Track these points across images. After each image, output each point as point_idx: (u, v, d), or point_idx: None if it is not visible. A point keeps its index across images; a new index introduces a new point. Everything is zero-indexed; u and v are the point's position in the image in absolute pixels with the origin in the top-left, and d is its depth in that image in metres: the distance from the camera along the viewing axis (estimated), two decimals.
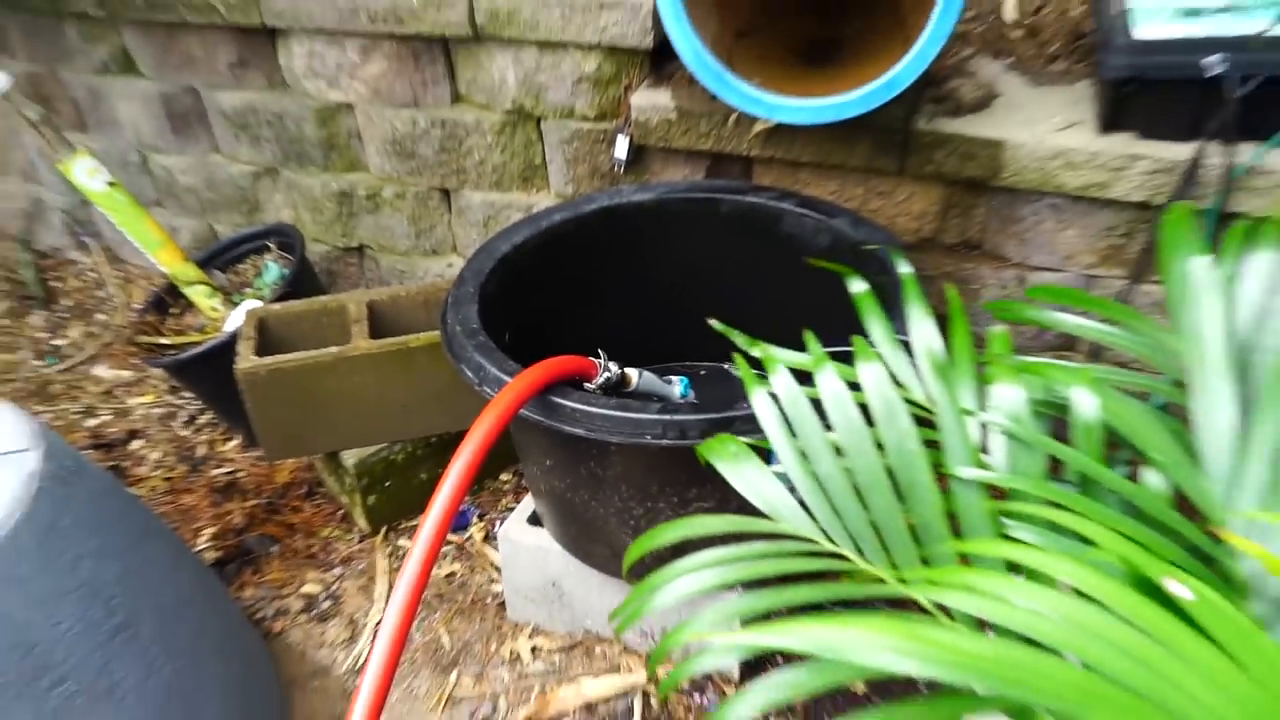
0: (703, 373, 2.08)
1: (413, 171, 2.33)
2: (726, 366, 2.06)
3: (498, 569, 2.04)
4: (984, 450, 0.75)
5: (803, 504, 0.77)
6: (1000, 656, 0.48)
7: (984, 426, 0.76)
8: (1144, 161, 1.71)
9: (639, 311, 1.97)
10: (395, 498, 2.13)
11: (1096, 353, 1.89)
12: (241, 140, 2.48)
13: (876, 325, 0.90)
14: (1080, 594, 0.52)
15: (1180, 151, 1.70)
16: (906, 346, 1.03)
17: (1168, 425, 0.75)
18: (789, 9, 2.14)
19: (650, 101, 1.99)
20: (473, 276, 1.71)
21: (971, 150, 1.80)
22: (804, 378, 0.91)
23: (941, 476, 0.80)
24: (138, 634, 1.47)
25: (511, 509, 2.01)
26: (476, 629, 1.94)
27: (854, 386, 0.84)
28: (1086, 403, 0.72)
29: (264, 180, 2.54)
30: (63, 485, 1.44)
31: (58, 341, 2.74)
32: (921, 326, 0.88)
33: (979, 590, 0.54)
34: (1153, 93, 1.71)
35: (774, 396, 0.82)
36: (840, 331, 1.39)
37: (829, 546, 0.75)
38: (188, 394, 2.52)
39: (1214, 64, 1.65)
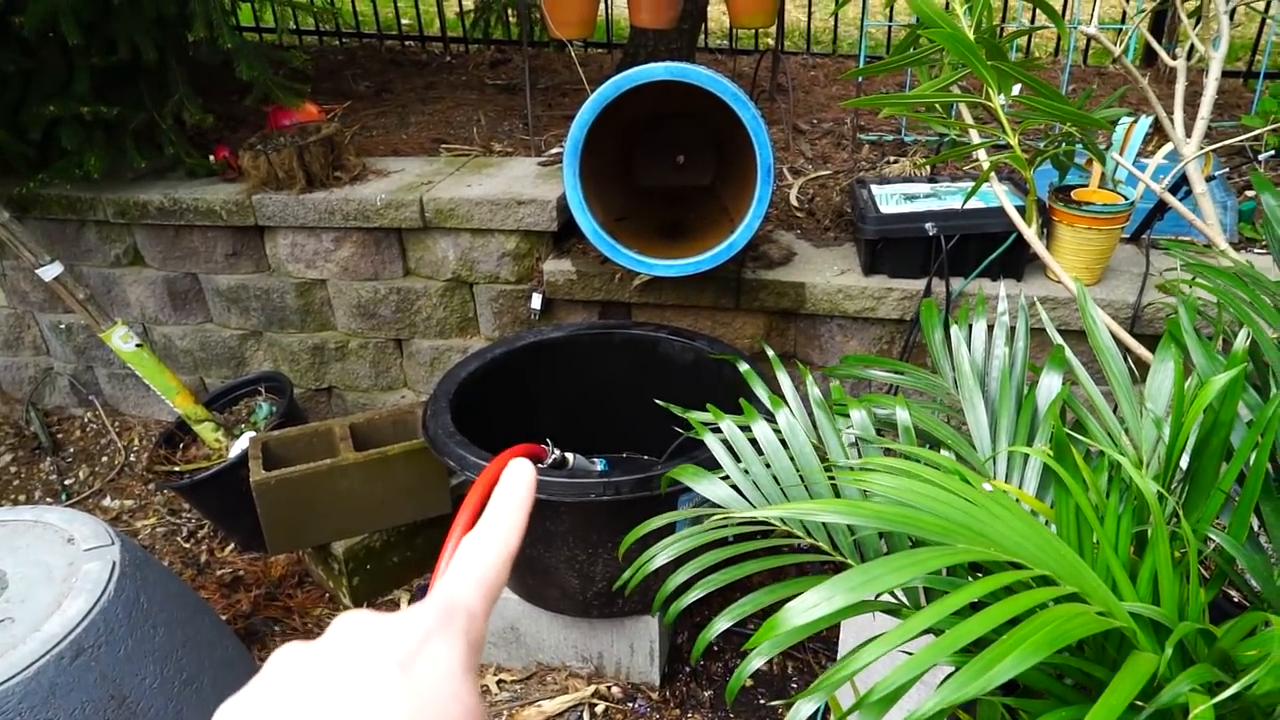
0: (625, 455, 2.23)
1: (373, 328, 2.46)
2: (625, 455, 2.24)
3: None
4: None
5: (742, 496, 0.97)
6: (885, 511, 0.70)
7: (842, 438, 0.98)
8: (895, 292, 2.04)
9: (562, 413, 2.12)
10: (374, 578, 2.17)
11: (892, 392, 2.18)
12: (232, 311, 2.55)
13: (761, 389, 1.12)
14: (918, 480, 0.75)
15: (917, 284, 2.03)
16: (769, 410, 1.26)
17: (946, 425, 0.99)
18: (649, 202, 2.44)
19: (556, 267, 2.22)
20: (443, 395, 1.85)
21: (783, 290, 2.09)
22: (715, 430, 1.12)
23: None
24: (200, 687, 1.49)
25: None
26: None
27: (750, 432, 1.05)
28: (903, 414, 0.96)
29: (250, 341, 2.60)
30: (138, 571, 1.47)
31: (68, 481, 2.65)
32: (789, 386, 1.10)
33: (870, 481, 0.75)
34: (895, 248, 2.05)
35: (719, 436, 1.02)
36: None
37: (761, 518, 0.95)
38: (186, 514, 2.49)
39: (930, 228, 2.01)
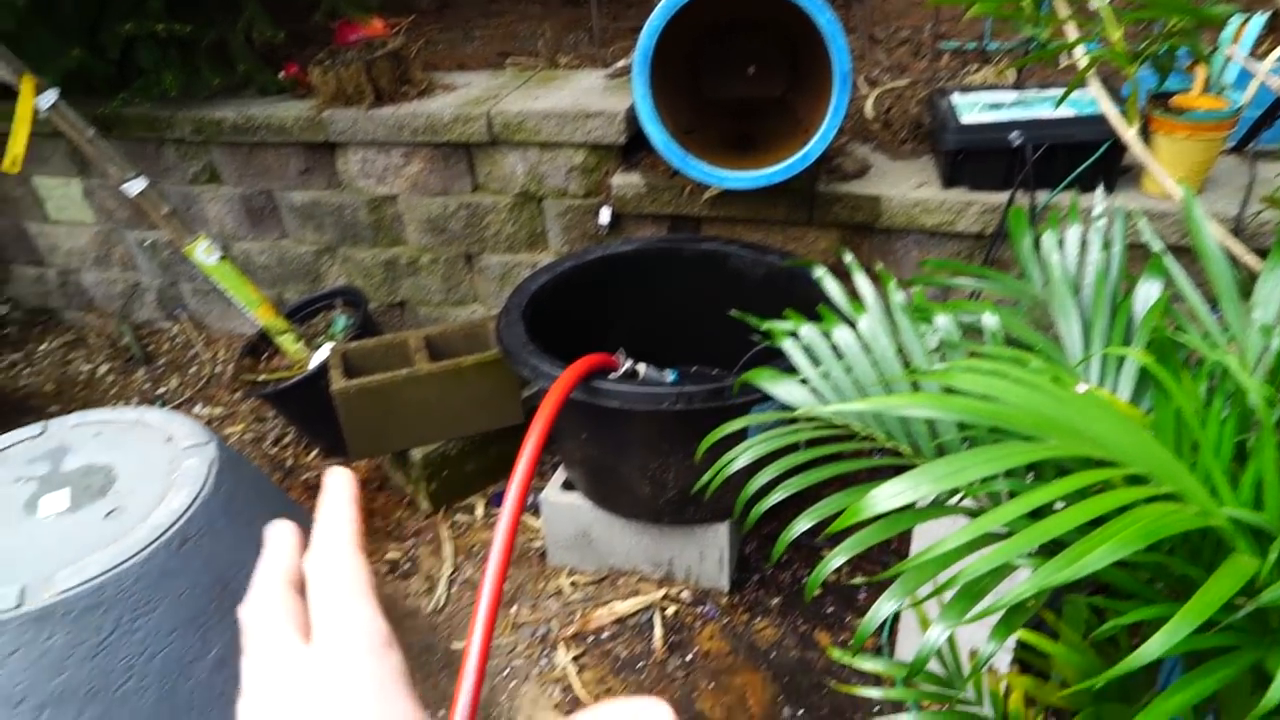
0: (694, 369, 2.24)
1: (444, 243, 2.49)
2: (694, 369, 2.25)
3: (534, 530, 2.18)
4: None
5: (821, 401, 0.97)
6: (974, 405, 0.69)
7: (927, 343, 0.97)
8: (976, 205, 1.97)
9: (632, 327, 2.13)
10: (450, 483, 2.25)
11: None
12: (306, 227, 2.60)
13: (840, 295, 1.11)
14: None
15: (999, 197, 1.96)
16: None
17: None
18: (717, 115, 2.39)
19: (625, 181, 2.20)
20: (515, 307, 1.88)
21: (858, 203, 2.05)
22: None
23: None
24: None
25: (539, 488, 2.15)
26: (526, 574, 2.07)
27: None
28: (990, 318, 0.94)
29: (324, 256, 2.66)
30: (234, 468, 1.55)
31: (160, 390, 2.79)
32: (870, 292, 1.09)
33: (956, 380, 0.74)
34: (976, 159, 1.98)
35: (797, 341, 1.01)
36: (769, 335, 1.59)
37: (839, 423, 0.95)
38: (271, 421, 2.60)
39: (1015, 138, 1.93)
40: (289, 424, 2.53)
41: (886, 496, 0.64)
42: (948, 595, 0.83)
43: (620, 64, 2.46)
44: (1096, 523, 0.64)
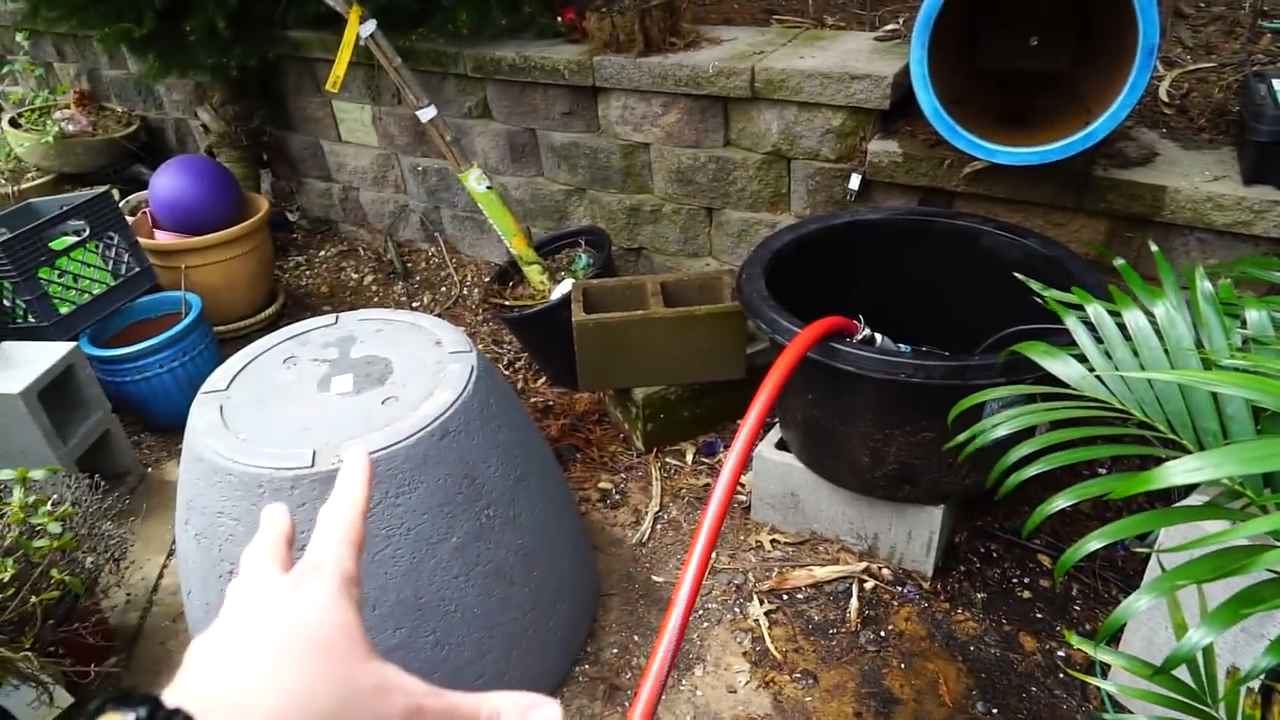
0: (925, 349, 2.19)
1: (688, 194, 2.56)
2: (925, 349, 2.19)
3: (742, 485, 2.23)
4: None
5: (1103, 384, 0.93)
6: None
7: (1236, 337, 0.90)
8: None
9: (870, 297, 2.10)
10: (665, 427, 2.34)
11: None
12: (561, 167, 2.76)
13: (1136, 281, 1.05)
14: None
15: None
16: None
17: None
18: (987, 87, 2.28)
19: (882, 148, 2.16)
20: (757, 262, 1.91)
21: (1138, 193, 1.89)
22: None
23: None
24: (530, 484, 1.72)
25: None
26: (728, 524, 2.13)
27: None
28: None
29: (574, 196, 2.81)
30: (488, 377, 1.70)
31: (414, 304, 3.09)
32: (1169, 285, 1.02)
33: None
34: None
35: (1084, 320, 0.98)
36: (1019, 321, 1.51)
37: (1115, 404, 0.91)
38: (507, 344, 2.81)
39: None
40: (523, 350, 2.73)
41: (1184, 470, 0.62)
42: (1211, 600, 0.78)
43: (889, 27, 2.40)
44: None
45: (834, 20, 2.62)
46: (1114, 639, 1.74)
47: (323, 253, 3.52)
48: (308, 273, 3.41)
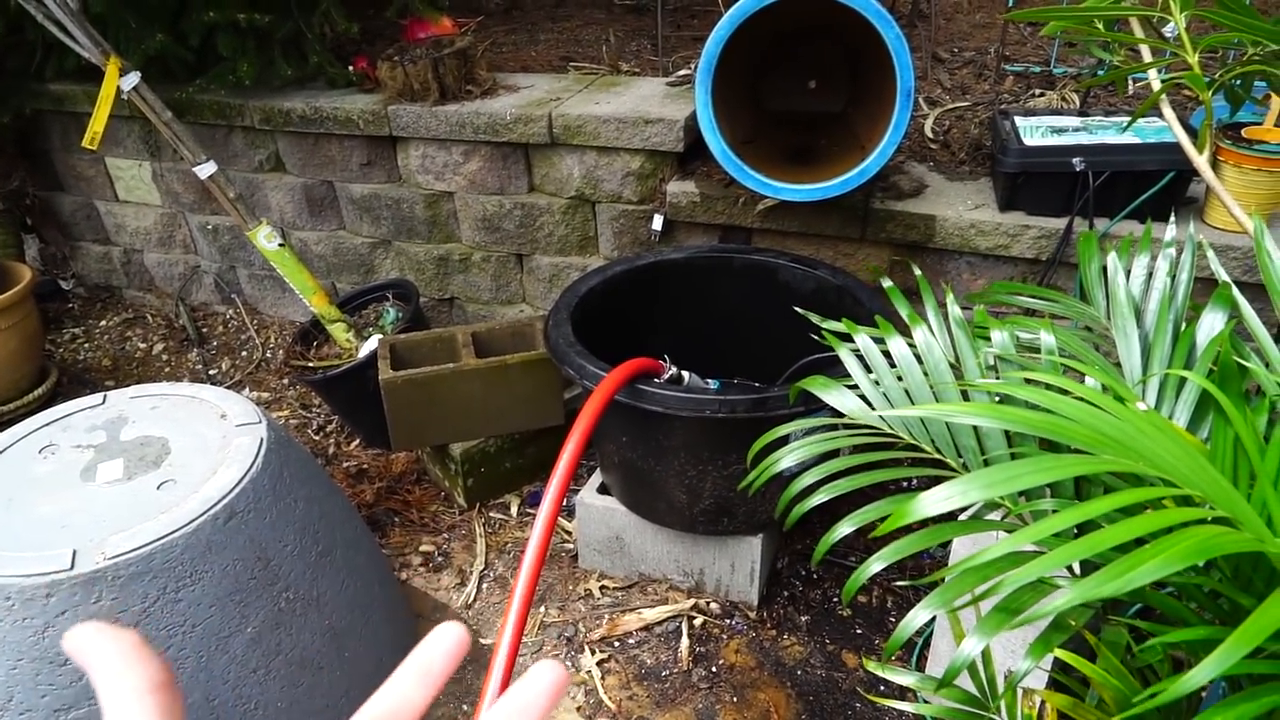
0: (735, 380, 2.24)
1: (496, 241, 2.53)
2: (736, 380, 2.25)
3: (567, 532, 2.19)
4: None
5: (871, 409, 0.97)
6: (1030, 417, 0.69)
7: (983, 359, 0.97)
8: (1032, 230, 1.95)
9: (678, 335, 2.13)
10: (487, 480, 2.27)
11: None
12: (364, 219, 2.66)
13: (903, 307, 1.11)
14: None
15: (1056, 223, 1.94)
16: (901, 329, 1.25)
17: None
18: (776, 127, 2.40)
19: (680, 189, 2.22)
20: (564, 307, 1.90)
21: (912, 222, 2.04)
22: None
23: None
24: (333, 559, 1.61)
25: (575, 490, 2.16)
26: (556, 574, 2.08)
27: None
28: (1048, 337, 0.93)
29: (379, 249, 2.71)
30: (281, 448, 1.58)
31: (211, 371, 2.87)
32: (930, 306, 1.09)
33: (1011, 392, 0.74)
34: (1036, 183, 1.96)
35: (854, 351, 1.02)
36: (818, 349, 1.58)
37: (886, 430, 0.95)
38: (315, 409, 2.66)
39: (1078, 163, 1.91)
40: (333, 412, 2.59)
41: (935, 501, 0.65)
42: (984, 608, 0.82)
43: (682, 72, 2.49)
44: (1142, 542, 0.63)
45: (629, 67, 2.68)
46: (922, 655, 1.83)
47: (104, 322, 3.21)
48: (86, 345, 3.10)
